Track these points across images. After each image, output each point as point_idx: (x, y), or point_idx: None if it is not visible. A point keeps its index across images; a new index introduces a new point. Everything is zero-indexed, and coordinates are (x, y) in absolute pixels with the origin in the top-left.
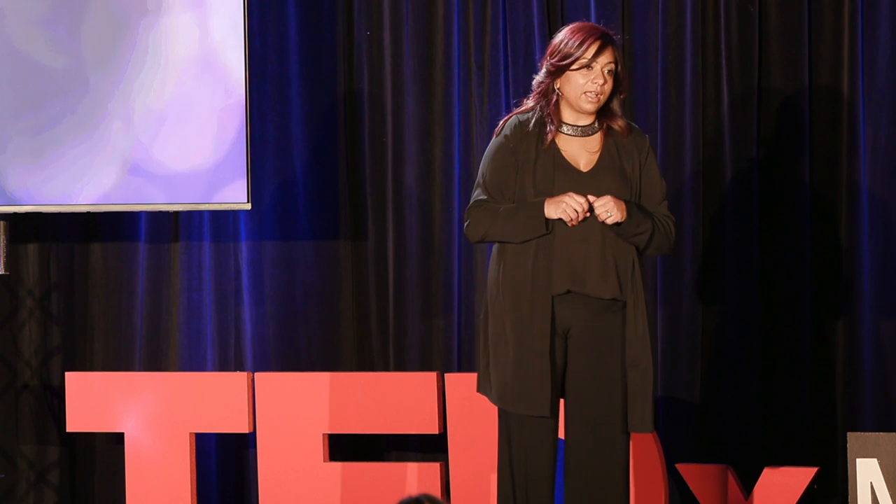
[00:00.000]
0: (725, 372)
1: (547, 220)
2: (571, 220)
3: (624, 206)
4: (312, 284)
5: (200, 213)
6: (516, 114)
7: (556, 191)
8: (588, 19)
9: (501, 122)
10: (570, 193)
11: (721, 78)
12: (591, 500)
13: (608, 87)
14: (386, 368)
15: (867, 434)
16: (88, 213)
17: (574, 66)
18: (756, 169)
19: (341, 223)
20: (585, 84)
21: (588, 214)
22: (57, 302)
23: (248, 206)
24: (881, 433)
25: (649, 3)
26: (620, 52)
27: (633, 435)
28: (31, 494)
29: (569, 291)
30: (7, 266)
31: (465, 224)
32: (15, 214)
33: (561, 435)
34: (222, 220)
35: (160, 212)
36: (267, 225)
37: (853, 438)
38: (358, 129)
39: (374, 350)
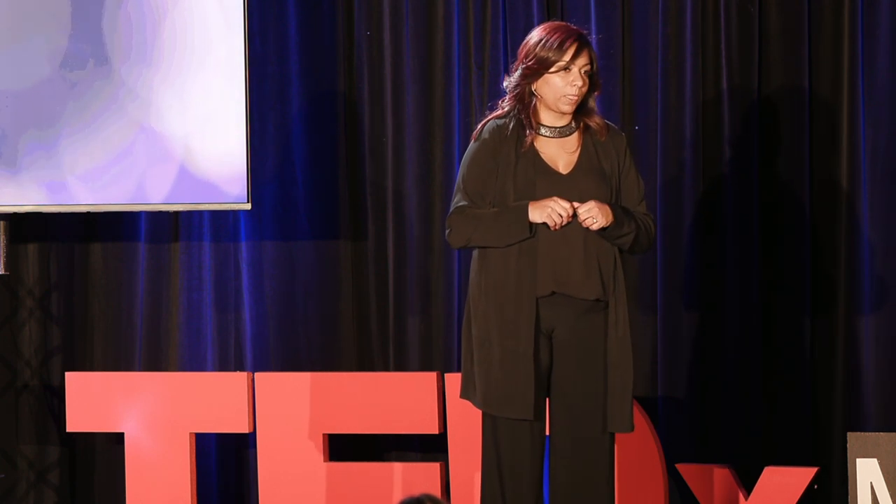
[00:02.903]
0: (725, 372)
1: (531, 224)
2: (555, 224)
3: (609, 210)
4: (312, 284)
5: (200, 213)
6: (493, 118)
7: (537, 194)
8: (588, 19)
9: (479, 126)
10: (555, 198)
11: (721, 78)
12: (574, 499)
13: (585, 88)
14: (386, 368)
15: (867, 434)
16: (88, 213)
17: (552, 70)
18: (756, 169)
19: (341, 223)
20: (564, 87)
21: (571, 219)
22: (57, 302)
23: (248, 206)
24: (881, 433)
25: (649, 3)
26: (595, 51)
27: (631, 435)
28: (31, 494)
29: (553, 293)
30: (7, 266)
31: (447, 231)
32: (15, 214)
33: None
34: (222, 220)
35: (160, 212)
36: (267, 225)
37: (853, 438)
38: (358, 129)
39: (374, 350)
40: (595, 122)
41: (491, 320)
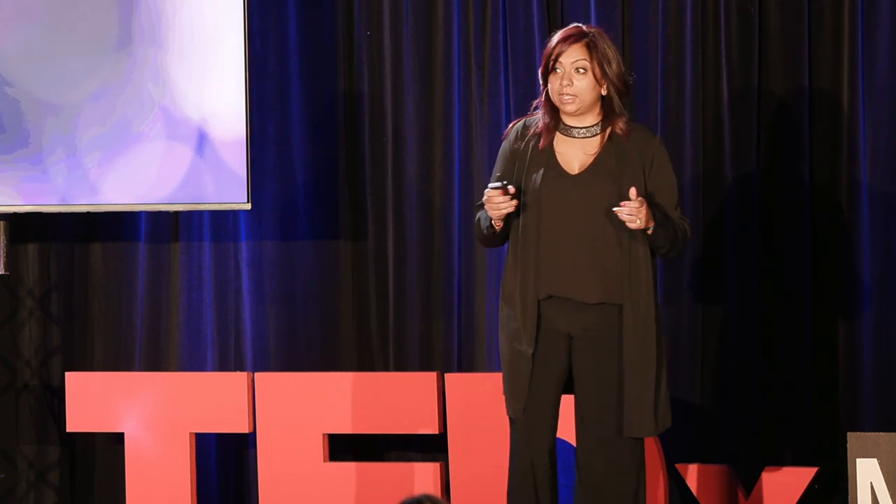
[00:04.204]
0: (725, 372)
1: (494, 224)
2: (499, 214)
3: (649, 215)
4: (312, 284)
5: (200, 213)
6: (525, 118)
7: (542, 192)
8: (588, 19)
9: (510, 126)
10: (487, 190)
11: (721, 78)
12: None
13: (581, 85)
14: (386, 368)
15: (867, 434)
16: (88, 213)
17: (550, 70)
18: (756, 169)
19: (341, 223)
20: (557, 85)
21: (510, 198)
22: (57, 302)
23: (248, 206)
24: (881, 433)
25: (649, 3)
26: (597, 48)
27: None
28: (31, 494)
29: (550, 297)
30: (7, 266)
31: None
32: (15, 214)
33: (564, 436)
34: (222, 220)
35: (160, 212)
36: (267, 225)
37: (853, 438)
38: (358, 129)
39: (374, 350)
40: (619, 126)
41: (503, 321)
